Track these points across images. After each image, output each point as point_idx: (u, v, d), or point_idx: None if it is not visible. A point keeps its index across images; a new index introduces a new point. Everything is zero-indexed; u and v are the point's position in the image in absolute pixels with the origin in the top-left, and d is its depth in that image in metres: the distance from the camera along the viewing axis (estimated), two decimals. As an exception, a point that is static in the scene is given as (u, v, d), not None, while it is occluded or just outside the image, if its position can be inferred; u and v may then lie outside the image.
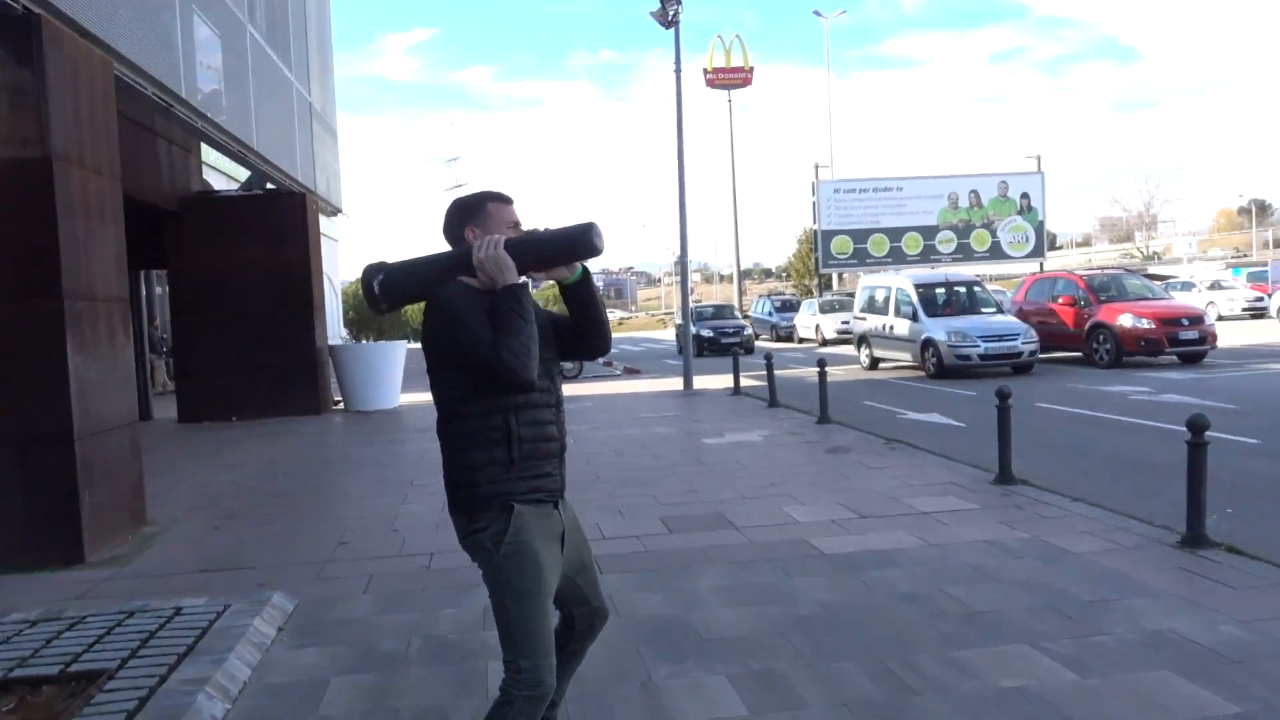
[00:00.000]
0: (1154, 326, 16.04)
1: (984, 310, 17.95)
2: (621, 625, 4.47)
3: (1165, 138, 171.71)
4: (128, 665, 4.02)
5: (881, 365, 19.21)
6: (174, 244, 14.99)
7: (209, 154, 18.37)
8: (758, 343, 33.04)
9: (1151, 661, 3.82)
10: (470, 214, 2.76)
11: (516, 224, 2.76)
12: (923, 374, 17.22)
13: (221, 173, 21.08)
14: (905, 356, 17.98)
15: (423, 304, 2.69)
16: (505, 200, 2.80)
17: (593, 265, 2.87)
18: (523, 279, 2.62)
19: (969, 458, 8.36)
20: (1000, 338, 16.43)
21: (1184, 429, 5.40)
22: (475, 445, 2.61)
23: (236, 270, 15.02)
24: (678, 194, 16.70)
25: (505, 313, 2.54)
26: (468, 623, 4.66)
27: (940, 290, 18.60)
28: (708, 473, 8.37)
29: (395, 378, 16.09)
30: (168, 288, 18.64)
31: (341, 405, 16.18)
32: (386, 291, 2.69)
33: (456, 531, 2.74)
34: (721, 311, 31.74)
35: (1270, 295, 28.36)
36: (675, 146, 16.52)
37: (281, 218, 15.55)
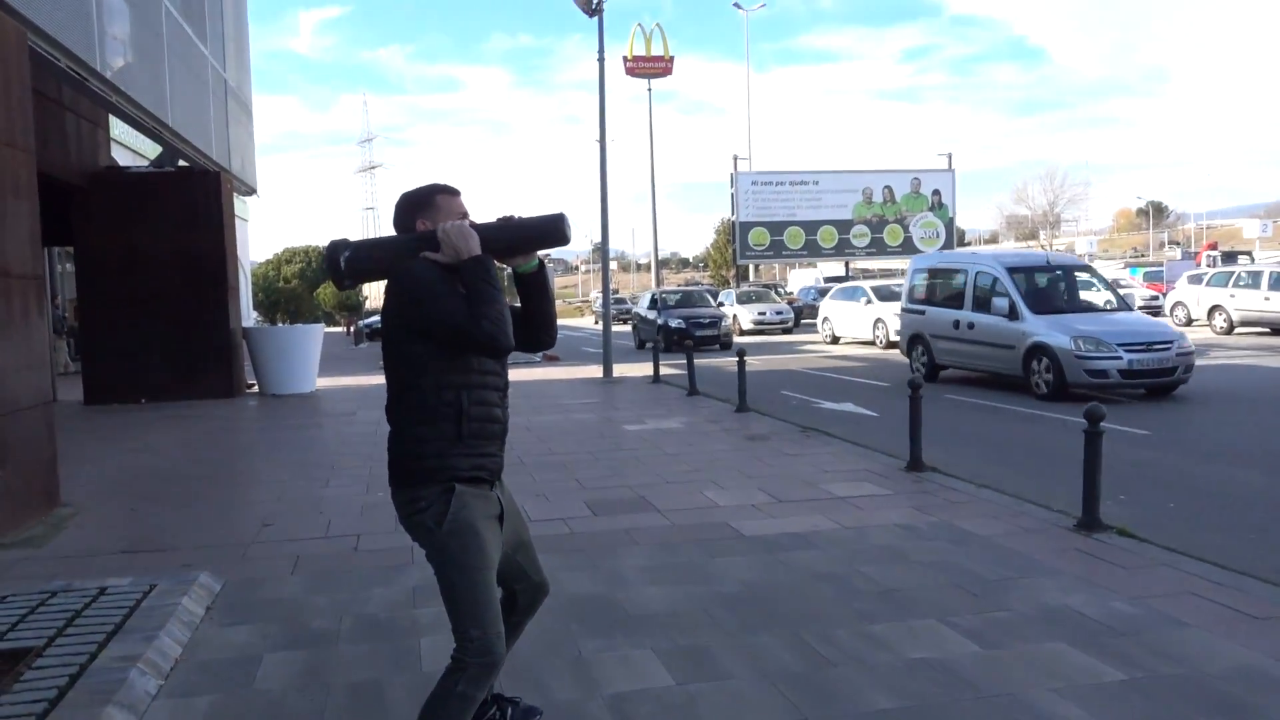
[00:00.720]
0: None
1: (1106, 307, 13.95)
2: (551, 603, 4.54)
3: (1069, 138, 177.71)
4: (55, 643, 4.00)
5: (945, 375, 14.67)
6: (81, 221, 14.56)
7: (117, 129, 17.85)
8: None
9: (1048, 634, 4.09)
10: (420, 206, 2.84)
11: (464, 215, 2.85)
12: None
13: (129, 149, 20.48)
14: (993, 365, 13.25)
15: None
16: (453, 192, 2.89)
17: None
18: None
19: (882, 446, 8.68)
20: (1149, 345, 11.82)
21: (1082, 420, 5.73)
22: (425, 419, 2.69)
23: (147, 249, 14.66)
24: (599, 182, 16.80)
25: (476, 283, 2.62)
26: (398, 601, 4.73)
27: (1045, 276, 13.88)
28: (629, 458, 8.52)
29: (311, 361, 15.89)
30: (73, 266, 18.08)
31: (255, 389, 15.92)
32: (352, 266, 2.75)
33: (398, 511, 2.80)
34: (691, 298, 26.97)
35: (1164, 295, 29.67)
36: (597, 134, 16.63)
37: (195, 197, 15.21)
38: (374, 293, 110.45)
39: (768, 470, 7.79)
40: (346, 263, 2.75)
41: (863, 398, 13.03)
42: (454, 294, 2.63)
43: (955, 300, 14.19)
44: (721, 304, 29.77)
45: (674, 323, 23.30)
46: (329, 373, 18.46)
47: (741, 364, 11.79)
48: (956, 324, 13.88)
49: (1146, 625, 4.15)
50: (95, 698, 3.45)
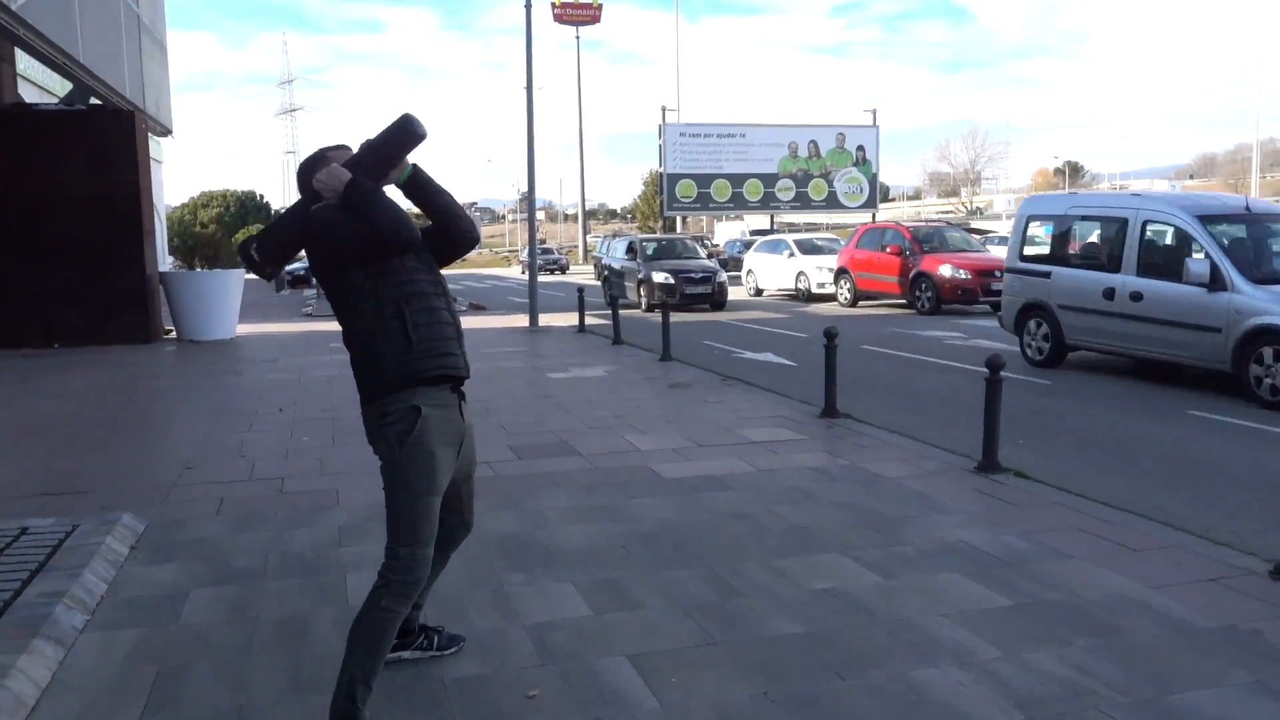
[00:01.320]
0: (970, 277, 17.24)
1: None
2: (475, 541, 4.69)
3: (992, 98, 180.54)
4: (-24, 582, 4.02)
5: (1079, 358, 11.16)
6: (-14, 159, 14.04)
7: (24, 63, 17.16)
8: (598, 282, 33.34)
9: (942, 565, 4.37)
10: (316, 165, 3.00)
11: None
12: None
13: (37, 85, 19.70)
14: (1176, 353, 9.41)
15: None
16: (343, 148, 3.08)
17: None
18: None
19: (799, 394, 8.96)
20: None
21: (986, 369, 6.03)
22: (375, 337, 2.87)
23: (57, 191, 14.22)
24: (526, 131, 16.72)
25: (358, 200, 2.82)
26: (323, 541, 4.82)
27: (1247, 229, 9.51)
28: (553, 405, 8.67)
29: (232, 307, 15.65)
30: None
31: (174, 335, 15.63)
32: (265, 254, 2.95)
33: (367, 428, 2.97)
34: (676, 247, 21.71)
35: (1074, 252, 30.67)
36: (524, 82, 16.49)
37: (107, 137, 14.76)
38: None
39: (688, 416, 8.00)
40: (259, 253, 2.95)
41: (783, 348, 13.34)
42: (351, 219, 2.83)
43: (1105, 258, 10.31)
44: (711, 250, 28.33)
45: (659, 277, 19.44)
46: (250, 319, 18.17)
47: (666, 314, 11.97)
48: (1110, 292, 9.94)
49: (1033, 557, 4.46)
50: (21, 631, 3.51)
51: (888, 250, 18.95)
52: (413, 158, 3.02)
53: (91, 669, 3.42)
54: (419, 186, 3.03)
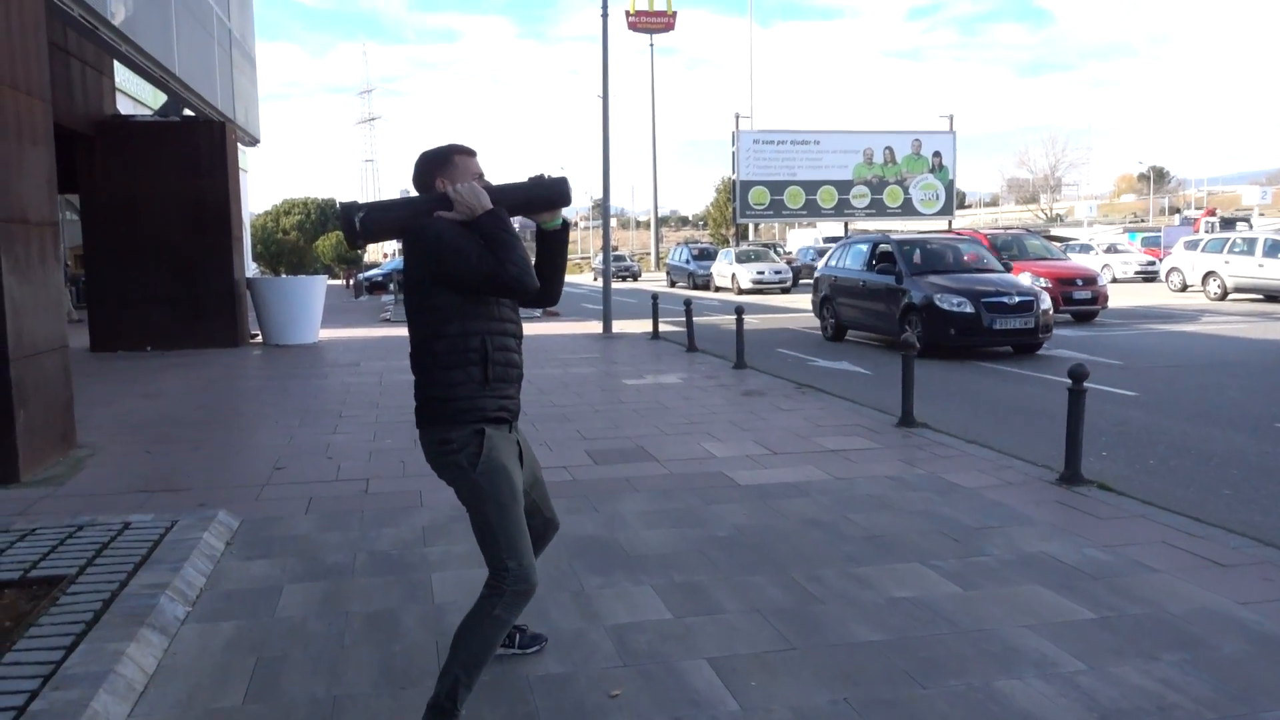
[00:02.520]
0: (1050, 285, 16.88)
1: None
2: (554, 543, 4.82)
3: (1073, 101, 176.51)
4: (86, 572, 4.24)
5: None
6: (86, 168, 14.68)
7: (120, 76, 17.85)
8: (674, 290, 33.46)
9: (1024, 577, 4.34)
10: (439, 165, 3.02)
11: (480, 175, 3.05)
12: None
13: (131, 97, 20.47)
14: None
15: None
16: (470, 153, 3.08)
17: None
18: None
19: (874, 403, 8.91)
20: None
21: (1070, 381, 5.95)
22: (455, 364, 2.90)
23: (152, 198, 14.79)
24: (602, 138, 16.87)
25: (495, 234, 2.83)
26: (409, 540, 4.96)
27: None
28: (629, 411, 8.75)
29: (315, 312, 16.07)
30: (74, 214, 18.18)
31: (259, 339, 16.11)
32: (367, 226, 2.94)
33: (428, 452, 3.04)
34: (947, 255, 14.41)
35: (1161, 260, 29.83)
36: (598, 89, 16.67)
37: (199, 146, 15.30)
38: (373, 247, 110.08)
39: (762, 424, 8.01)
40: (361, 223, 2.93)
41: (858, 357, 13.25)
42: (475, 244, 2.83)
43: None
44: (784, 259, 25.86)
45: (948, 301, 12.66)
46: (330, 325, 18.65)
47: (740, 321, 11.99)
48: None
49: (1117, 570, 4.40)
50: (130, 620, 3.69)
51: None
52: (499, 164, 3.07)
53: (194, 657, 3.58)
54: (559, 242, 3.11)
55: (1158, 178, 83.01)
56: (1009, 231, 22.40)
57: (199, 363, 13.12)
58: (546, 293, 3.15)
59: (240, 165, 28.92)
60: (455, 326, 2.89)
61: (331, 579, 4.41)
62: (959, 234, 20.86)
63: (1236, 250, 22.23)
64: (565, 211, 3.12)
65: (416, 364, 3.00)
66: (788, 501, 5.61)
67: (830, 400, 9.13)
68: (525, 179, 3.02)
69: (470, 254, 2.80)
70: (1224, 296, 22.36)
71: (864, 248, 15.06)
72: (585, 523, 5.22)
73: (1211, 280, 22.76)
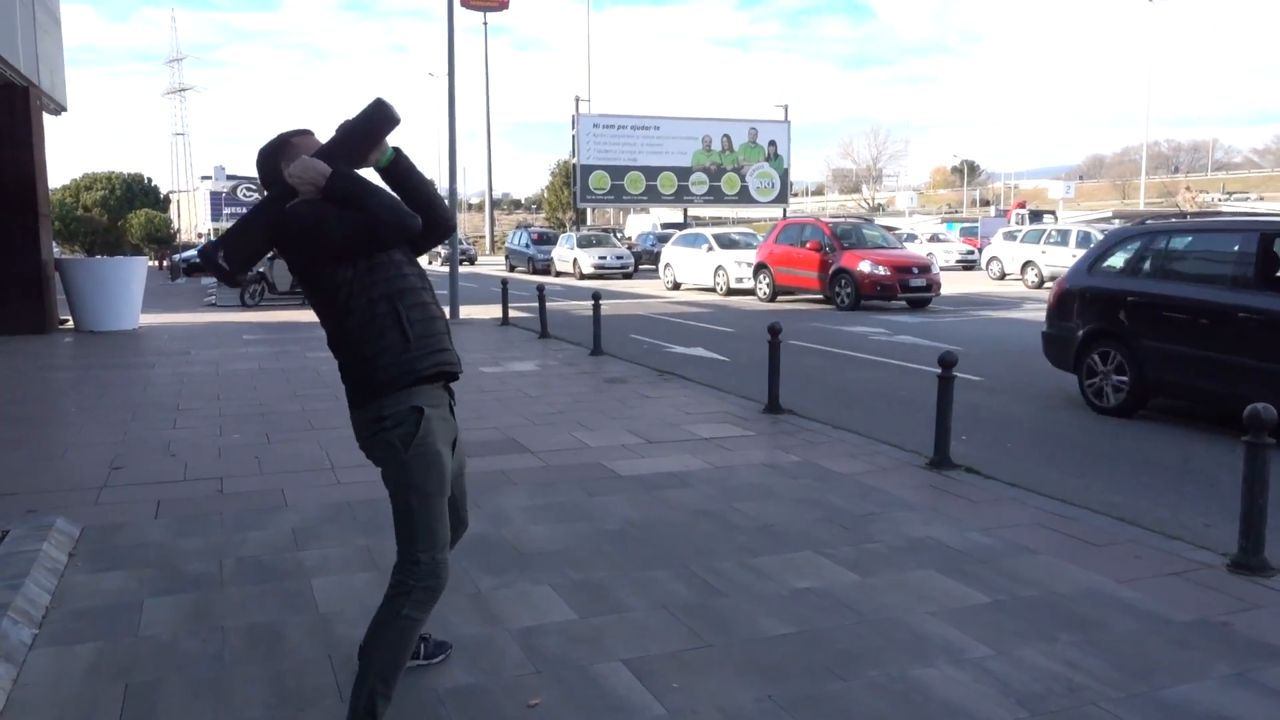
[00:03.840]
0: (889, 273, 17.58)
1: None
2: (439, 543, 4.60)
3: (892, 95, 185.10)
4: (-94, 594, 3.72)
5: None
6: None
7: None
8: (514, 274, 33.04)
9: (916, 563, 4.40)
10: (279, 152, 2.81)
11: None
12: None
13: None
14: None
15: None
16: (306, 133, 2.88)
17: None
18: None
19: (736, 390, 8.98)
20: None
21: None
22: (369, 335, 2.70)
23: (-55, 170, 13.38)
24: (448, 120, 16.39)
25: (348, 192, 2.65)
26: (279, 544, 4.61)
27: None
28: (491, 400, 8.50)
29: (135, 296, 14.98)
30: None
31: (70, 324, 14.89)
32: (232, 257, 2.70)
33: (359, 432, 2.80)
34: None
35: (979, 249, 31.55)
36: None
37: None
38: (187, 226, 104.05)
39: (630, 412, 7.93)
40: (226, 259, 2.70)
41: (712, 343, 13.37)
42: (339, 212, 2.65)
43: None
44: (625, 244, 26.34)
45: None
46: (150, 309, 17.43)
47: (597, 307, 11.86)
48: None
49: (1002, 553, 4.53)
50: (-32, 648, 3.25)
51: (807, 246, 19.15)
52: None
53: (50, 687, 3.18)
54: (403, 171, 2.86)
55: (970, 171, 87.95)
56: (848, 220, 23.18)
57: (6, 350, 11.98)
58: (433, 221, 2.86)
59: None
60: (359, 299, 2.70)
61: (198, 590, 4.03)
62: (801, 221, 21.44)
63: (1052, 241, 23.79)
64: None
65: (336, 347, 2.79)
66: (672, 492, 5.54)
67: (695, 387, 9.14)
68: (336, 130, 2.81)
69: (340, 219, 2.64)
70: (1041, 285, 23.88)
71: (1231, 243, 7.46)
72: (470, 519, 4.97)
73: (1030, 269, 24.27)
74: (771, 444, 6.77)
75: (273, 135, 2.88)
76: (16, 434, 7.17)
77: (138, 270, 15.23)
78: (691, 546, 4.61)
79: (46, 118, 15.61)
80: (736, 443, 6.80)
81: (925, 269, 18.27)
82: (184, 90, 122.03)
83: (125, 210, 71.28)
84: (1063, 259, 23.18)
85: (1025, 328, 14.61)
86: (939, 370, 6.12)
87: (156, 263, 43.13)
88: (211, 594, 4.00)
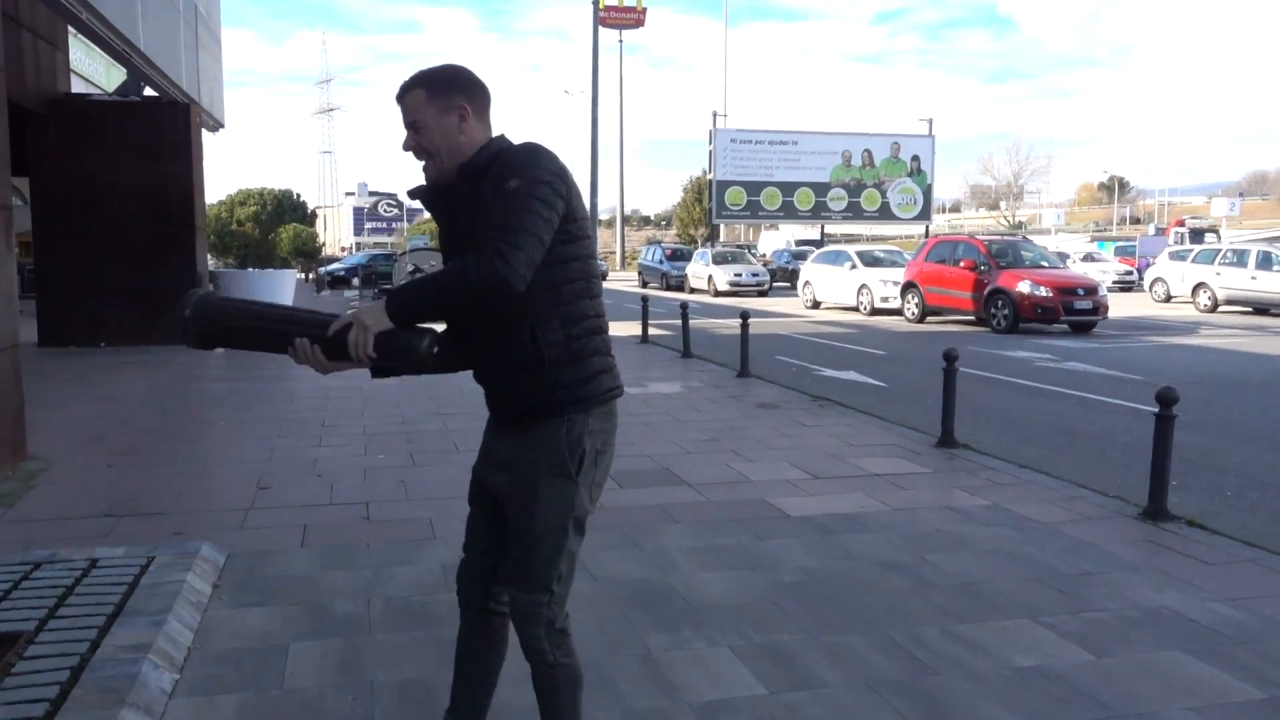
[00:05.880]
0: (1051, 295, 16.46)
1: None
2: (601, 588, 4.17)
3: (1035, 109, 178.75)
4: (48, 626, 3.49)
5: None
6: (37, 150, 13.69)
7: (72, 55, 16.84)
8: (646, 290, 32.77)
9: (1156, 640, 3.73)
10: (464, 89, 2.35)
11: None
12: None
13: (84, 78, 19.38)
14: None
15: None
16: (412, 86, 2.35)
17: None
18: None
19: (898, 418, 8.33)
20: None
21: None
22: (572, 357, 2.44)
23: (110, 184, 13.85)
24: (590, 137, 16.24)
25: (408, 306, 2.21)
26: (429, 583, 4.25)
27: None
28: (639, 424, 8.08)
29: (284, 308, 15.20)
30: (21, 200, 17.08)
31: (223, 335, 15.20)
32: (201, 322, 2.26)
33: (524, 448, 2.41)
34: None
35: (1139, 269, 29.74)
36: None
37: (162, 129, 14.38)
38: (331, 240, 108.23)
39: (788, 442, 7.38)
40: (192, 317, 2.24)
41: (864, 366, 12.65)
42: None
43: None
44: (759, 260, 26.79)
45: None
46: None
47: (745, 326, 11.33)
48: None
49: (1258, 633, 3.81)
50: (105, 698, 2.96)
51: (961, 264, 18.14)
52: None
53: (189, 749, 2.86)
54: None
55: (1120, 187, 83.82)
56: (1004, 238, 22.00)
57: (158, 361, 12.24)
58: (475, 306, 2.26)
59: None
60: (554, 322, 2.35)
61: (345, 634, 3.69)
62: (954, 238, 20.43)
63: (1228, 262, 22.03)
64: None
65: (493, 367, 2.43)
66: (851, 538, 4.98)
67: (855, 415, 8.52)
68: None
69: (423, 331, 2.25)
70: (1214, 309, 22.16)
71: None
72: (630, 562, 4.54)
73: (1202, 291, 22.55)
74: (951, 483, 6.13)
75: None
76: (168, 447, 7.11)
77: (288, 282, 15.50)
78: (884, 606, 4.05)
79: (205, 134, 16.11)
80: (912, 481, 6.18)
81: (1091, 290, 17.04)
82: (332, 110, 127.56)
83: (275, 224, 74.57)
84: (1240, 281, 21.49)
85: (1209, 356, 13.41)
86: (1156, 409, 5.40)
87: (303, 275, 44.70)
88: (359, 640, 3.65)
